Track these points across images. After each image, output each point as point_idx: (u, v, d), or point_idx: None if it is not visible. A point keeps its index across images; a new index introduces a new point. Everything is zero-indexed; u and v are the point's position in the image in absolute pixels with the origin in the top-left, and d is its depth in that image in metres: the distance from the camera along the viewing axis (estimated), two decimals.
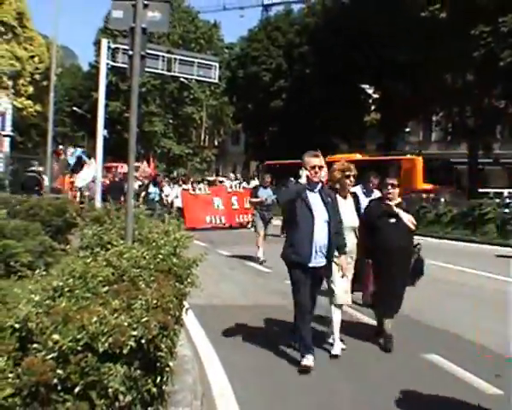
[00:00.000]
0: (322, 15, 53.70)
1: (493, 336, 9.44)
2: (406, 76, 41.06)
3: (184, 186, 31.38)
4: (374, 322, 9.93)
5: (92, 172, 29.99)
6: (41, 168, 28.49)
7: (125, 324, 3.93)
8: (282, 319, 10.29)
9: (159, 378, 4.35)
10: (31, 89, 52.30)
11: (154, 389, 4.29)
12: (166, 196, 30.02)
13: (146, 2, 7.65)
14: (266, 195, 17.70)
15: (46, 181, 26.06)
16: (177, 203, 29.55)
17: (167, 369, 4.49)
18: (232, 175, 41.03)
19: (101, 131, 29.86)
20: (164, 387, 4.57)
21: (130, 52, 7.76)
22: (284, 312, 10.69)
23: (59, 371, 3.61)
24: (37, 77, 52.30)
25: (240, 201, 29.41)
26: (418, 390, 7.11)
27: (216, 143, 79.32)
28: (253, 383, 7.11)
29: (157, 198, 26.11)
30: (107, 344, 3.76)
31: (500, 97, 38.62)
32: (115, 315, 3.99)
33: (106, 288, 4.57)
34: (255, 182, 33.04)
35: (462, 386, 7.28)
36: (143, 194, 26.60)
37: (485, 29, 31.37)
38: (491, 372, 7.64)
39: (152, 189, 26.50)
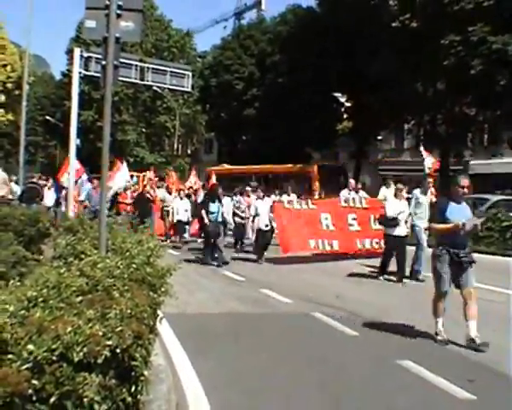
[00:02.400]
0: (294, 24, 53.89)
1: (464, 341, 9.55)
2: (378, 85, 41.26)
3: (274, 197, 25.15)
4: (348, 329, 10.03)
5: (125, 175, 29.11)
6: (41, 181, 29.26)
7: (100, 333, 3.94)
8: (256, 326, 10.35)
9: (133, 388, 4.36)
10: (3, 98, 51.98)
11: (129, 399, 4.30)
12: (236, 211, 24.62)
13: (119, 11, 7.66)
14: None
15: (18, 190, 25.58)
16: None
17: (142, 378, 4.50)
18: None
19: (73, 141, 29.69)
20: (138, 396, 4.57)
21: (104, 62, 7.77)
22: (258, 319, 10.75)
23: (34, 382, 3.62)
24: (9, 86, 51.95)
25: (362, 220, 21.36)
26: (391, 395, 7.18)
27: (189, 152, 79.20)
28: (227, 391, 7.12)
29: (220, 218, 20.29)
30: (81, 354, 3.77)
31: (471, 105, 38.95)
32: (90, 325, 4.00)
33: (80, 298, 4.57)
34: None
35: (435, 391, 7.35)
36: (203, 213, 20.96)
37: (455, 38, 31.64)
38: (465, 378, 7.73)
39: (213, 206, 20.04)
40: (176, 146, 71.86)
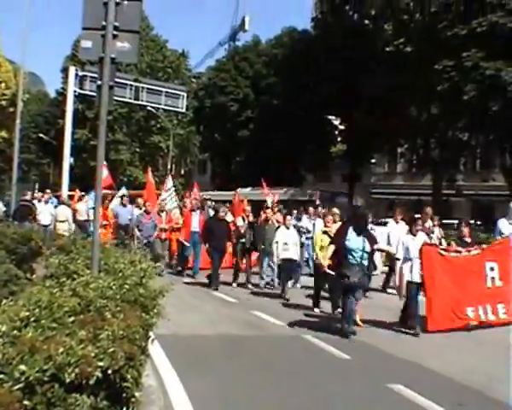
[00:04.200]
0: (289, 47, 54.19)
1: (456, 366, 9.56)
2: (372, 108, 41.49)
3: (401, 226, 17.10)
4: (339, 352, 10.03)
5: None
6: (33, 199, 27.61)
7: (92, 354, 3.93)
8: (248, 349, 10.32)
9: (124, 409, 4.34)
10: None
11: None
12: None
13: (115, 32, 7.69)
14: None
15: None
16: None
17: (133, 399, 4.49)
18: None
19: (67, 159, 29.76)
20: None
21: (99, 82, 7.79)
22: (250, 341, 10.72)
23: (25, 402, 3.61)
24: (3, 103, 51.81)
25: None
26: None
27: (182, 173, 79.17)
28: None
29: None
30: (73, 375, 3.76)
31: (464, 130, 39.17)
32: (82, 346, 3.99)
33: (72, 318, 4.56)
34: None
35: None
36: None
37: (448, 63, 31.86)
38: (455, 402, 7.73)
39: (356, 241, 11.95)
40: (169, 166, 71.83)
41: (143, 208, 21.66)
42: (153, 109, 52.02)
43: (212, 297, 16.57)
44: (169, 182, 26.43)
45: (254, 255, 20.58)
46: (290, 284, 17.35)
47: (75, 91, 31.09)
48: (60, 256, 7.54)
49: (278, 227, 18.07)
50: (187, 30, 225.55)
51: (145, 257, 7.38)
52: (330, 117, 54.24)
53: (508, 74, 29.65)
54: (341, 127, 54.46)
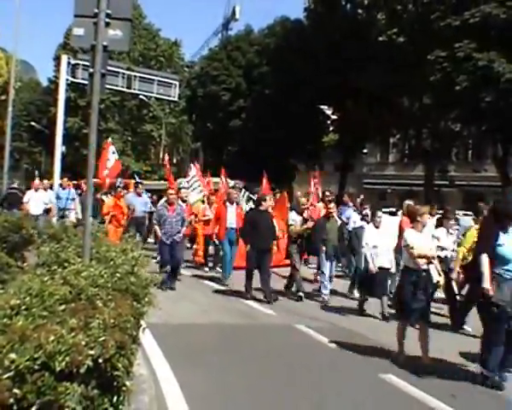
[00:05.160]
0: (281, 36, 54.09)
1: (448, 356, 9.59)
2: (364, 98, 41.49)
3: None
4: (331, 342, 10.05)
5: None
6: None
7: (83, 343, 3.91)
8: (240, 338, 10.33)
9: (115, 398, 4.32)
10: None
11: (111, 409, 4.26)
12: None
13: (107, 20, 7.64)
14: None
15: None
16: None
17: (124, 388, 4.46)
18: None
19: (59, 147, 29.64)
20: (120, 407, 4.53)
21: (91, 70, 7.75)
22: (242, 330, 10.73)
23: (15, 391, 3.58)
24: None
25: None
26: (373, 409, 7.20)
27: (175, 161, 79.08)
28: (210, 403, 7.10)
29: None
30: (64, 363, 3.73)
31: (456, 121, 39.22)
32: (72, 334, 3.96)
33: (63, 306, 4.52)
34: None
35: (417, 405, 7.37)
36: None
37: (441, 54, 31.83)
38: (448, 393, 7.75)
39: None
40: (161, 155, 71.74)
41: (164, 198, 18.04)
42: (145, 98, 51.95)
43: (204, 286, 16.54)
44: (192, 170, 22.94)
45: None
46: (385, 300, 12.98)
47: (67, 80, 30.98)
48: (51, 244, 7.50)
49: (360, 227, 15.45)
50: (183, 20, 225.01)
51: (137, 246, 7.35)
52: (323, 107, 54.20)
53: (500, 65, 29.63)
54: (334, 117, 54.44)
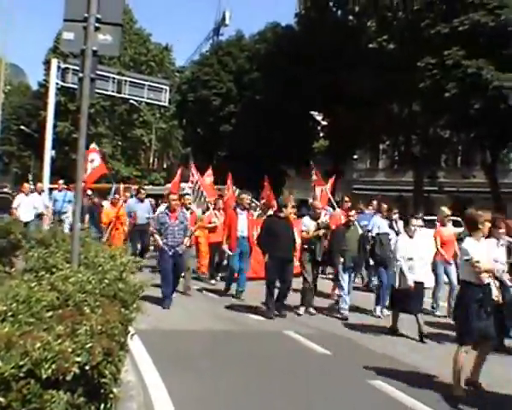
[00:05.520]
0: (272, 42, 54.15)
1: (437, 361, 9.60)
2: (355, 104, 41.56)
3: None
4: (320, 348, 10.04)
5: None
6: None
7: (69, 350, 3.88)
8: (230, 344, 10.30)
9: (102, 405, 4.30)
10: None
11: None
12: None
13: (97, 24, 7.61)
14: None
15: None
16: None
17: (111, 396, 4.44)
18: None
19: (48, 152, 29.50)
20: None
21: (81, 74, 7.71)
22: (231, 337, 10.70)
23: (0, 399, 3.56)
24: None
25: None
26: None
27: (165, 166, 79.02)
28: (198, 409, 7.07)
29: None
30: (50, 371, 3.71)
31: (445, 127, 39.40)
32: (59, 341, 3.94)
33: (50, 313, 4.50)
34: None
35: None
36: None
37: (431, 61, 31.96)
38: (434, 398, 7.76)
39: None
40: (152, 160, 71.69)
41: (164, 204, 17.97)
42: (135, 103, 51.82)
43: (194, 293, 16.45)
44: (194, 176, 20.95)
45: None
46: (421, 317, 11.94)
47: (57, 84, 30.82)
48: (39, 250, 7.46)
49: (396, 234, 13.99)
50: (177, 25, 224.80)
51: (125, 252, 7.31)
52: (313, 113, 54.26)
53: (489, 73, 29.76)
54: (324, 123, 54.50)
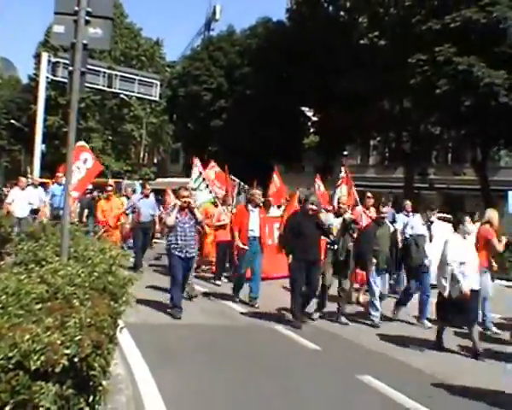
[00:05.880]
0: (263, 37, 54.11)
1: (426, 358, 9.64)
2: (346, 100, 41.55)
3: None
4: (310, 343, 10.07)
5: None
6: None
7: (58, 342, 3.89)
8: (219, 339, 10.31)
9: (91, 398, 4.31)
10: None
11: (87, 409, 4.25)
12: None
13: (88, 18, 7.60)
14: None
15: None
16: None
17: (100, 388, 4.45)
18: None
19: (38, 146, 29.51)
20: (96, 406, 4.52)
21: (71, 68, 7.70)
22: (221, 331, 10.71)
23: None
24: None
25: None
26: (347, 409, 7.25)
27: (155, 161, 78.93)
28: (188, 403, 7.08)
29: None
30: (39, 362, 3.72)
31: (435, 124, 39.47)
32: (48, 333, 3.94)
33: (39, 305, 4.51)
34: None
35: (393, 407, 7.40)
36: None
37: (422, 57, 31.97)
38: (424, 394, 7.79)
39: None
40: (142, 155, 71.58)
41: (172, 200, 17.13)
42: (126, 97, 51.77)
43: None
44: (196, 168, 19.03)
45: None
46: (475, 331, 10.55)
47: (47, 77, 30.90)
48: (29, 243, 7.45)
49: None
50: (166, 21, 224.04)
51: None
52: (304, 108, 54.26)
53: (480, 70, 29.77)
54: (315, 119, 54.50)
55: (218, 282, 17.03)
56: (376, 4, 38.18)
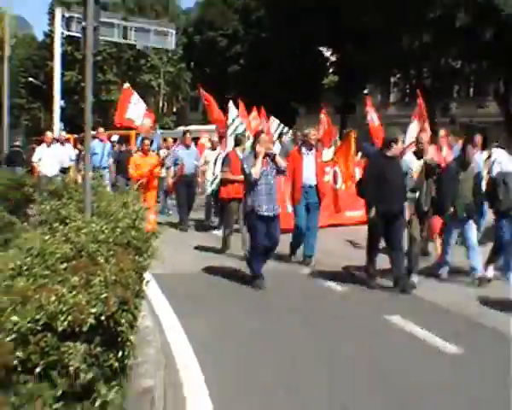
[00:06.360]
0: None
1: (455, 296, 9.65)
2: (364, 38, 41.03)
3: None
4: (338, 286, 10.10)
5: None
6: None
7: (84, 301, 3.92)
8: (246, 285, 10.36)
9: (120, 353, 4.34)
10: None
11: (116, 364, 4.28)
12: None
13: None
14: None
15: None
16: None
17: (128, 343, 4.49)
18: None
19: (57, 102, 29.49)
20: (126, 361, 4.56)
21: (83, 23, 7.64)
22: (247, 277, 10.73)
23: (18, 354, 3.61)
24: None
25: None
26: (375, 348, 7.27)
27: (174, 110, 78.76)
28: (216, 350, 7.13)
29: None
30: (66, 323, 3.75)
31: (456, 58, 38.96)
32: (74, 293, 3.97)
33: (64, 265, 4.53)
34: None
35: (423, 346, 7.43)
36: None
37: None
38: (452, 332, 7.81)
39: None
40: (161, 104, 71.45)
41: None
42: (142, 48, 51.52)
43: (207, 236, 16.35)
44: (231, 111, 16.79)
45: None
46: None
47: (62, 33, 30.68)
48: (52, 202, 7.47)
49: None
50: None
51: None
52: (321, 48, 53.74)
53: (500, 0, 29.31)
54: (333, 59, 54.00)
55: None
56: None
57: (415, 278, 10.53)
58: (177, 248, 13.30)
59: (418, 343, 7.51)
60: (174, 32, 35.52)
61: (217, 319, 8.38)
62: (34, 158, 19.10)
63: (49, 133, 20.83)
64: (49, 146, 19.40)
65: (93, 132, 18.96)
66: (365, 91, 56.53)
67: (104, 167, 19.08)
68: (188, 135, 17.90)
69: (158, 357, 6.37)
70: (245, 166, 10.47)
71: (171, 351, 7.04)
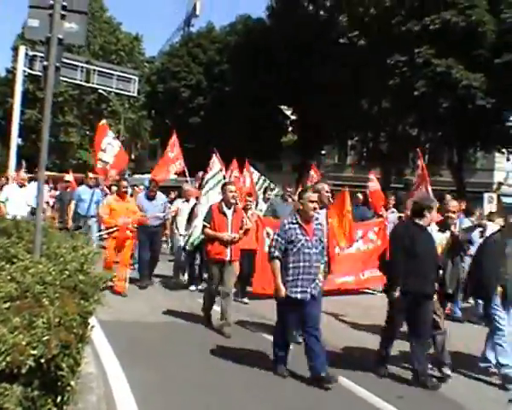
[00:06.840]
0: (243, 34, 54.08)
1: (398, 359, 9.64)
2: (324, 99, 41.60)
3: None
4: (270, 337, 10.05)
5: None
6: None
7: (24, 343, 3.83)
8: (191, 336, 10.27)
9: (59, 398, 4.25)
10: None
11: (55, 409, 4.19)
12: None
13: (63, 12, 7.52)
14: None
15: None
16: None
17: (68, 388, 4.39)
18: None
19: (15, 140, 29.26)
20: (65, 407, 4.46)
21: (45, 62, 7.62)
22: (193, 329, 10.65)
23: None
24: None
25: None
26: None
27: (133, 157, 78.63)
28: (159, 402, 7.04)
29: None
30: (4, 363, 3.67)
31: (413, 125, 39.69)
32: (15, 333, 3.89)
33: (7, 304, 4.44)
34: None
35: (364, 406, 7.42)
36: None
37: (401, 58, 32.12)
38: (395, 394, 7.82)
39: None
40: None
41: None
42: (104, 92, 51.55)
43: (157, 285, 16.22)
44: (215, 163, 17.10)
45: None
46: None
47: (25, 71, 30.63)
48: (1, 239, 7.35)
49: None
50: (146, 16, 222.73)
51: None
52: (282, 107, 54.31)
53: (458, 72, 29.99)
54: (293, 117, 54.60)
55: (245, 299, 14.13)
56: (356, 4, 38.25)
57: (447, 371, 8.92)
58: (123, 296, 13.19)
59: (360, 404, 7.52)
60: (137, 78, 35.69)
61: (162, 371, 8.26)
62: (1, 197, 16.56)
63: (22, 173, 18.31)
64: (20, 187, 16.76)
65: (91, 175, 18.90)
66: (323, 152, 57.29)
67: (92, 216, 17.51)
68: (153, 184, 16.30)
69: (99, 405, 6.25)
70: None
71: (114, 400, 6.91)
